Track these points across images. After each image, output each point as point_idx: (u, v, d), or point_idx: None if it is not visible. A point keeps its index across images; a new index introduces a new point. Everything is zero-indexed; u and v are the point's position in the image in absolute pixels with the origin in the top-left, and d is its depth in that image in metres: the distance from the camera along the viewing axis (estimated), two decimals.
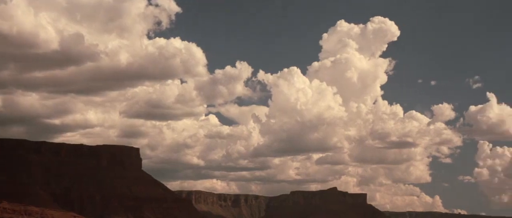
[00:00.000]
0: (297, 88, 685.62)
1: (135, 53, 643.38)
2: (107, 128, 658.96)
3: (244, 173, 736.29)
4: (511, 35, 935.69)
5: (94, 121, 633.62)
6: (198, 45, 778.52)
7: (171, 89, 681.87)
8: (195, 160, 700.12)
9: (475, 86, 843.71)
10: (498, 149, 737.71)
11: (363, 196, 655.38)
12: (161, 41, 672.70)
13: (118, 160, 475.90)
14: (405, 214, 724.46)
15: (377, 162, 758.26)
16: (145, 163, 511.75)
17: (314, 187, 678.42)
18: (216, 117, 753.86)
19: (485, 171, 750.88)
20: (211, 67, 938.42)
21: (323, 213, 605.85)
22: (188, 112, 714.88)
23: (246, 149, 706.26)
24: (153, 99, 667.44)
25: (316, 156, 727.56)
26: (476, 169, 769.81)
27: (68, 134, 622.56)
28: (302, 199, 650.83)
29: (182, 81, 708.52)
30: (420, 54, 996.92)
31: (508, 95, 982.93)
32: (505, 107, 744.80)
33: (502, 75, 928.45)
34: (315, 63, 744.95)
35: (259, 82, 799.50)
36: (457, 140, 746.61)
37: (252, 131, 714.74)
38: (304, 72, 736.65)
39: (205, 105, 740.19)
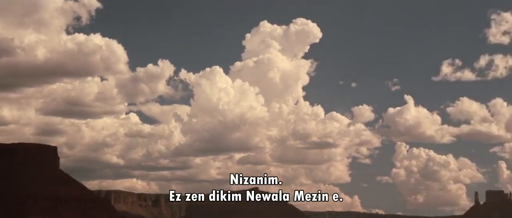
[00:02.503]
0: (219, 88, 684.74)
1: (53, 49, 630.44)
2: (22, 126, 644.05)
3: (165, 172, 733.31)
4: (430, 40, 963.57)
5: (8, 118, 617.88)
6: (119, 42, 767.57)
7: (91, 86, 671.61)
8: (115, 159, 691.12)
9: (393, 88, 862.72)
10: (415, 150, 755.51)
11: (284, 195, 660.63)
12: (80, 37, 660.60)
13: (34, 158, 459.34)
14: (324, 214, 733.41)
15: (298, 162, 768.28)
16: (62, 161, 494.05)
17: (235, 187, 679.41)
18: (137, 115, 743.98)
19: (402, 172, 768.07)
20: (132, 65, 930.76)
21: (244, 213, 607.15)
22: (108, 110, 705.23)
23: (167, 148, 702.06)
24: (72, 96, 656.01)
25: (237, 156, 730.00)
26: (394, 170, 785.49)
27: None
28: (223, 199, 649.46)
29: (102, 79, 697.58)
30: (341, 56, 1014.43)
31: (425, 98, 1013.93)
32: (421, 109, 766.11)
33: (419, 78, 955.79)
34: (238, 63, 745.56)
35: (181, 81, 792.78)
36: (376, 141, 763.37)
37: (173, 130, 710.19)
38: (226, 72, 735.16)
39: (126, 104, 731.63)
